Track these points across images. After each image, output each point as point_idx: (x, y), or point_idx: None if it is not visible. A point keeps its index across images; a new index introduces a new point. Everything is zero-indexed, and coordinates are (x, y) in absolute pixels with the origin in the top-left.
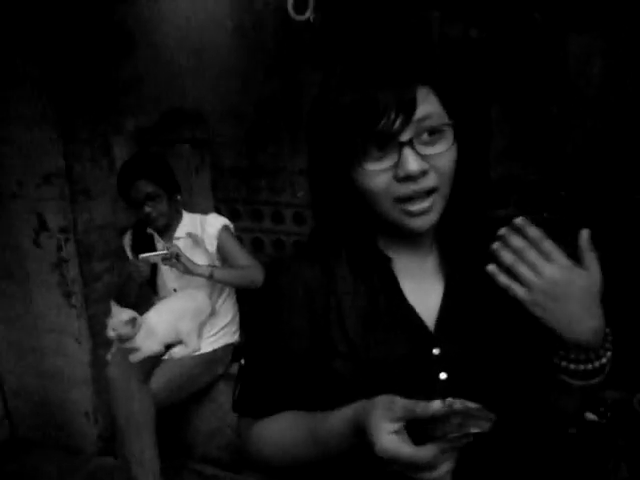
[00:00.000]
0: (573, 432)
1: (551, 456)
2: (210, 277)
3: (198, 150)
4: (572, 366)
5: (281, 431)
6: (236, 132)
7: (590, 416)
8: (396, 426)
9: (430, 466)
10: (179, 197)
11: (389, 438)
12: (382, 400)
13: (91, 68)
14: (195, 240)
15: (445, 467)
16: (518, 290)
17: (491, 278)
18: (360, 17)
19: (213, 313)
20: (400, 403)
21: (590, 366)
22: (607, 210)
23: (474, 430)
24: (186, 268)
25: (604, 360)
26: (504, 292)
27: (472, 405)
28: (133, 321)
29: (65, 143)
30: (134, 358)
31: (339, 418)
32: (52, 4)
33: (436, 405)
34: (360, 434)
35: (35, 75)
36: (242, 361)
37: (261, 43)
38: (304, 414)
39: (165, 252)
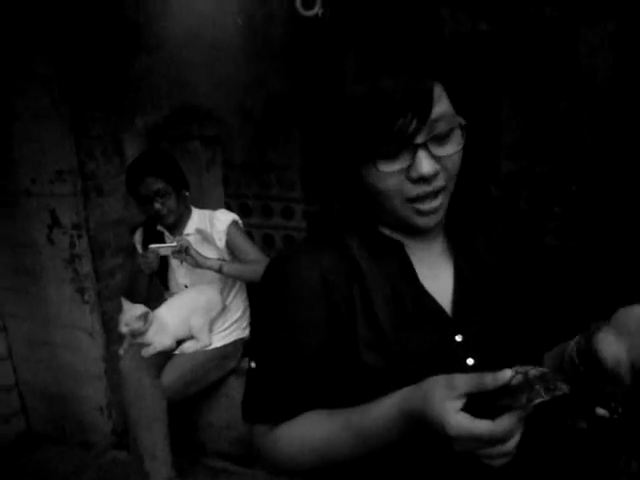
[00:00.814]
0: (584, 427)
1: (562, 451)
2: (219, 271)
3: (209, 146)
4: None
5: (307, 432)
6: (246, 128)
7: (601, 411)
8: (461, 404)
9: (504, 439)
10: (187, 193)
11: (460, 416)
12: (438, 381)
13: (102, 65)
14: (204, 236)
15: (516, 438)
16: None
17: (498, 258)
18: (370, 12)
19: (224, 309)
20: (462, 379)
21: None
22: (617, 204)
23: (543, 398)
24: (195, 261)
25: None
26: (510, 271)
27: (545, 370)
28: (145, 316)
29: (77, 140)
30: (146, 353)
31: (384, 408)
32: (63, 1)
33: (507, 374)
34: (414, 421)
35: (47, 72)
36: (252, 364)
37: (271, 39)
38: (332, 411)
39: (174, 245)
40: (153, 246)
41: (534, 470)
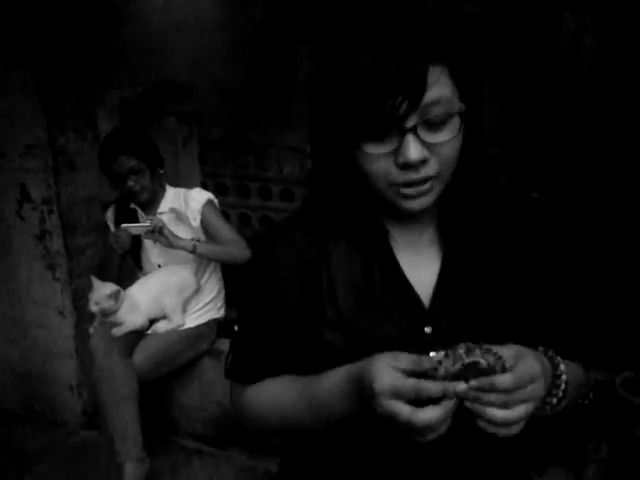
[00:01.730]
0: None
1: (533, 436)
2: (193, 251)
3: (185, 124)
4: None
5: (273, 394)
6: (224, 106)
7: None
8: (397, 373)
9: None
10: (162, 171)
11: (392, 373)
12: (387, 353)
13: (77, 39)
14: (178, 215)
15: (441, 410)
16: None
17: (489, 256)
18: None
19: (198, 289)
20: (407, 355)
21: (554, 399)
22: (596, 191)
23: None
24: (169, 241)
25: (562, 387)
26: (501, 270)
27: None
28: (116, 295)
29: (49, 114)
30: (117, 332)
31: (336, 376)
32: None
33: (441, 354)
34: (358, 387)
35: (17, 43)
36: (235, 327)
37: (250, 15)
38: (297, 377)
39: (148, 224)
40: (125, 225)
41: (500, 455)
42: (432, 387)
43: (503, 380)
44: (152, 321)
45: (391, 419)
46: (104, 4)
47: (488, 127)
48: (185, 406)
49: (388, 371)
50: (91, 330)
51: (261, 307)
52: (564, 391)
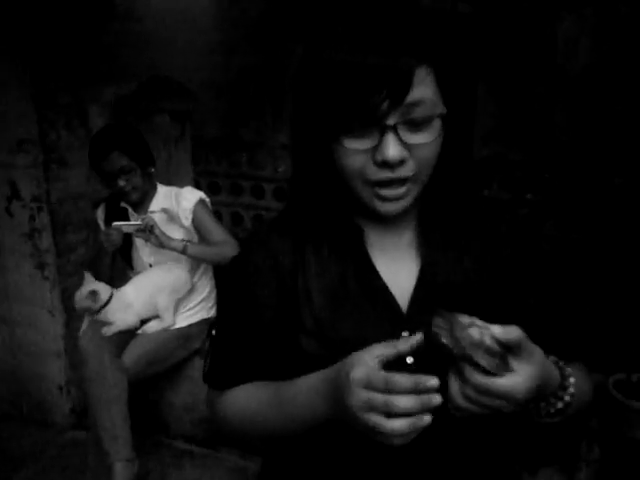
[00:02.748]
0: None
1: (525, 437)
2: (183, 252)
3: (178, 121)
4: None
5: (247, 399)
6: (218, 104)
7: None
8: (375, 365)
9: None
10: (153, 170)
11: (368, 364)
12: (367, 348)
13: (69, 33)
14: (170, 215)
15: (405, 422)
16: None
17: (468, 260)
18: None
19: (192, 289)
20: (380, 345)
21: (552, 409)
22: (588, 192)
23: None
24: (159, 241)
25: (566, 399)
26: (480, 274)
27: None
28: (93, 294)
29: (40, 109)
30: (107, 332)
31: (310, 380)
32: None
33: (419, 336)
34: (336, 387)
35: (7, 37)
36: (213, 332)
37: (244, 12)
38: (270, 382)
39: (139, 223)
40: (116, 224)
41: (494, 456)
42: (403, 381)
43: (500, 385)
44: (143, 321)
45: (361, 414)
46: None
47: (482, 127)
48: (175, 406)
49: (365, 361)
50: (81, 329)
51: (238, 314)
52: (567, 403)
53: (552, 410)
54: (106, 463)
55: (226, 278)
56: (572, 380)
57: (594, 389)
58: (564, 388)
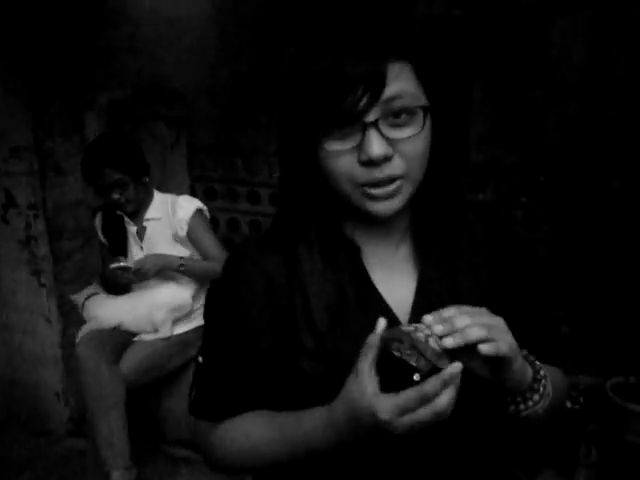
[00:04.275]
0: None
1: (523, 440)
2: (179, 271)
3: (174, 128)
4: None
5: (247, 434)
6: (213, 110)
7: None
8: (376, 384)
9: (432, 396)
10: (147, 179)
11: (382, 397)
12: (348, 378)
13: (64, 39)
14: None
15: (448, 394)
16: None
17: (464, 270)
18: None
19: (191, 311)
20: (359, 360)
21: (530, 402)
22: (584, 196)
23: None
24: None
25: (541, 391)
26: (479, 285)
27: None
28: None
29: (35, 116)
30: (85, 327)
31: (314, 423)
32: None
33: (382, 323)
34: (348, 429)
35: (1, 42)
36: (199, 359)
37: (239, 18)
38: (271, 413)
39: (135, 267)
40: (113, 266)
41: (492, 459)
42: (433, 385)
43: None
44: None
45: (416, 429)
46: (92, 4)
47: (477, 131)
48: (172, 413)
49: (380, 399)
50: (78, 337)
51: (229, 339)
52: (541, 394)
53: (530, 403)
54: (103, 471)
55: (214, 299)
56: (543, 373)
57: (567, 385)
58: (538, 380)
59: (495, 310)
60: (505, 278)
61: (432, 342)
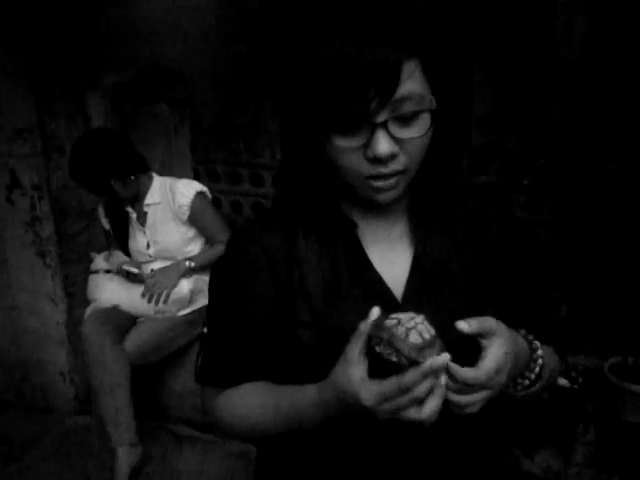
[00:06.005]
0: (545, 397)
1: (522, 419)
2: (190, 270)
3: (177, 109)
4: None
5: (246, 404)
6: (216, 92)
7: (562, 381)
8: (363, 369)
9: (413, 386)
10: (138, 175)
11: (367, 383)
12: (338, 361)
13: (66, 21)
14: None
15: (426, 385)
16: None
17: (459, 247)
18: None
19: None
20: (348, 345)
21: (526, 381)
22: (583, 179)
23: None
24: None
25: (537, 370)
26: (473, 264)
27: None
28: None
29: (38, 98)
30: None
31: (308, 400)
32: None
33: (375, 311)
34: (337, 407)
35: (3, 25)
36: (204, 329)
37: (243, 0)
38: (269, 387)
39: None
40: (124, 267)
41: (490, 438)
42: (414, 375)
43: (470, 377)
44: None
45: (393, 416)
46: None
47: (479, 114)
48: (176, 392)
49: (363, 386)
50: (85, 316)
51: (231, 311)
52: (538, 375)
53: (527, 382)
54: (109, 448)
55: (217, 275)
56: (540, 352)
57: (557, 357)
58: (534, 360)
59: (487, 288)
60: (499, 258)
61: (413, 336)
